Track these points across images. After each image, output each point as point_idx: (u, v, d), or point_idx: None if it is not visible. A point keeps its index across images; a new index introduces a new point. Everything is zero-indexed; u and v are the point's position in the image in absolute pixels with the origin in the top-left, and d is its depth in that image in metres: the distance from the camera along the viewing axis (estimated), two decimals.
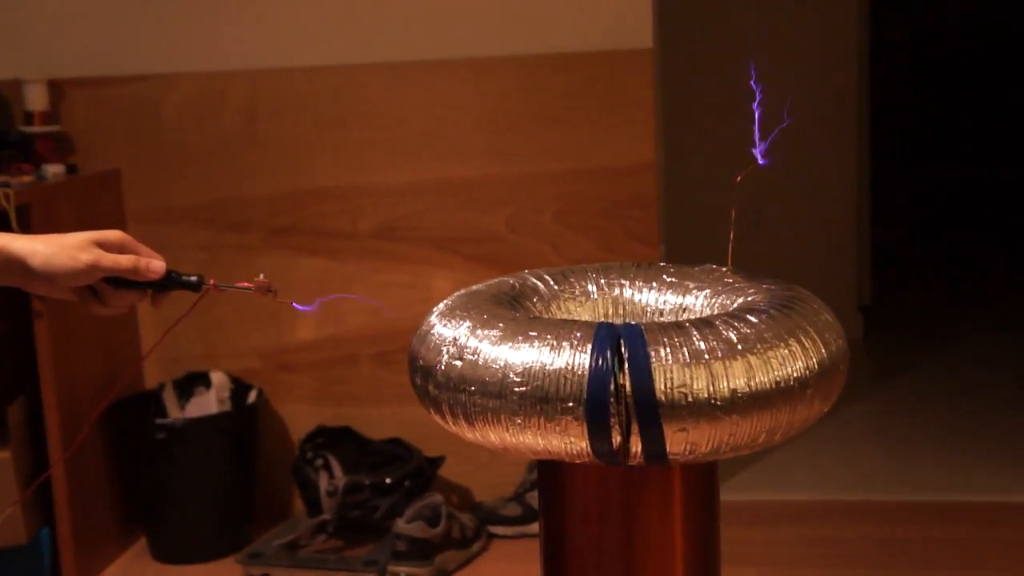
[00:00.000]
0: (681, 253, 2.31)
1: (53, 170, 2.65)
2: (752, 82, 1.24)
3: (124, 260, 1.20)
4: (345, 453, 2.72)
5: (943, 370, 3.87)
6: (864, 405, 3.53)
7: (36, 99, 2.70)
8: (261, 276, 1.25)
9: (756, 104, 1.25)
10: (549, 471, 1.17)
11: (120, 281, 1.21)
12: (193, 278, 1.24)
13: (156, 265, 1.22)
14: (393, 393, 2.81)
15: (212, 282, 1.24)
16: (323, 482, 2.64)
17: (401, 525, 2.51)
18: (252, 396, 2.77)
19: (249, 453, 2.77)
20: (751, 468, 3.01)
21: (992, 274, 5.29)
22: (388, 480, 2.62)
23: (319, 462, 2.68)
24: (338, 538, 2.67)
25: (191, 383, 2.81)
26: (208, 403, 2.75)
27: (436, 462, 2.73)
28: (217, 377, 2.78)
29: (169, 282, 1.23)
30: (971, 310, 4.66)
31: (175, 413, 2.76)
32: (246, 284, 1.24)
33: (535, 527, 2.38)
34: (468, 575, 2.56)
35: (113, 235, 1.21)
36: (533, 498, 2.67)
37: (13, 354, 2.58)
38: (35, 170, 2.64)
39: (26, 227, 2.37)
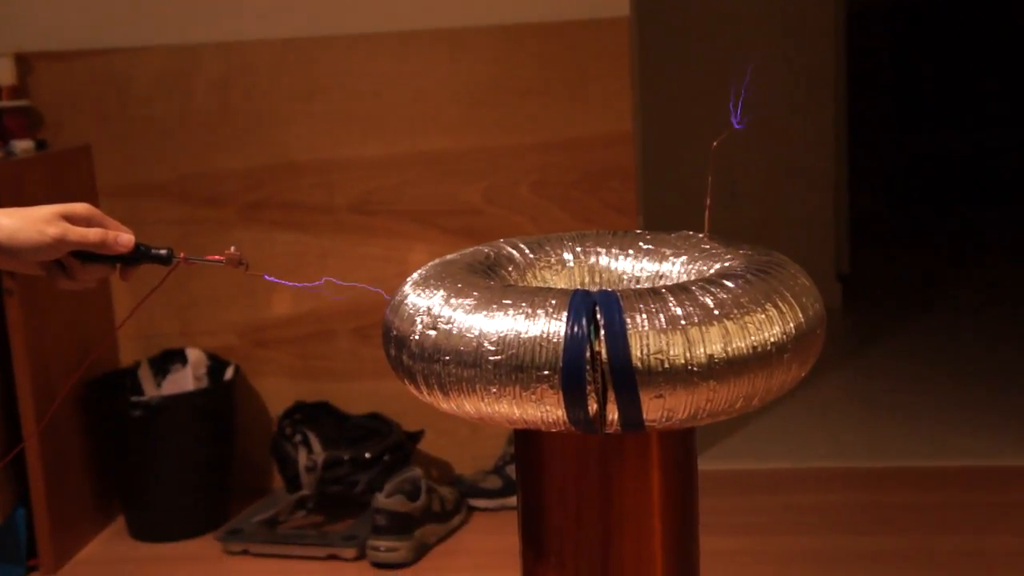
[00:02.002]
0: (660, 224, 2.29)
1: (22, 146, 2.61)
2: (744, 85, 1.23)
3: (92, 234, 1.18)
4: (324, 428, 2.71)
5: (920, 338, 3.88)
6: (842, 373, 3.55)
7: (4, 73, 2.66)
8: (232, 248, 1.24)
9: (744, 87, 1.24)
10: (526, 441, 1.16)
11: (88, 255, 1.19)
12: (163, 251, 1.22)
13: (124, 238, 1.20)
14: (371, 368, 2.79)
15: (182, 255, 1.22)
16: (302, 458, 2.62)
17: (381, 500, 2.50)
18: (229, 372, 2.76)
19: (227, 430, 2.75)
20: (730, 437, 3.01)
21: (969, 243, 5.31)
22: (367, 455, 2.61)
23: (298, 438, 2.67)
24: (318, 514, 2.66)
25: (167, 360, 2.79)
26: (184, 380, 2.73)
27: (415, 436, 2.72)
28: (193, 354, 2.76)
29: (138, 255, 1.21)
30: (948, 279, 4.68)
31: (151, 391, 2.74)
32: (216, 257, 1.23)
33: (516, 499, 2.37)
34: (449, 549, 2.55)
35: (80, 208, 1.19)
36: (513, 470, 2.66)
37: None
38: (3, 145, 2.60)
39: None
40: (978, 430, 3.01)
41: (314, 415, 2.75)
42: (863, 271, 4.62)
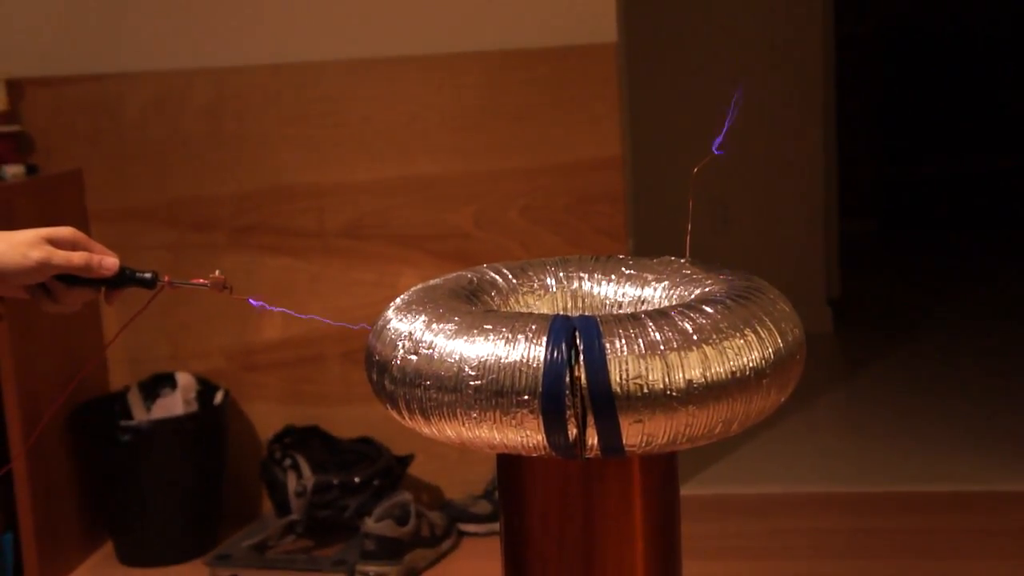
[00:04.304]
0: (650, 248, 2.30)
1: (12, 170, 2.62)
2: (731, 107, 1.23)
3: (76, 257, 1.18)
4: (313, 453, 2.71)
5: (912, 362, 3.89)
6: (833, 397, 3.55)
7: None
8: (217, 272, 1.24)
9: (731, 108, 1.25)
10: (508, 466, 1.16)
11: (72, 279, 1.20)
12: (147, 274, 1.23)
13: (109, 262, 1.20)
14: (361, 392, 2.79)
15: (167, 278, 1.23)
16: (291, 482, 2.62)
17: (370, 524, 2.50)
18: (219, 397, 2.75)
19: (216, 454, 2.74)
20: (719, 462, 3.01)
21: (959, 266, 5.33)
22: (357, 479, 2.61)
23: (287, 462, 2.66)
24: (307, 538, 2.66)
25: (157, 384, 2.79)
26: (174, 404, 2.73)
27: (405, 460, 2.72)
28: (183, 378, 2.76)
29: (123, 279, 1.22)
30: (939, 302, 4.69)
31: (140, 415, 2.73)
32: (201, 280, 1.23)
33: None
34: (438, 574, 2.55)
35: (65, 232, 1.20)
36: None
37: None
38: None
39: None
40: (969, 455, 3.01)
41: (304, 439, 2.75)
42: (853, 295, 4.63)
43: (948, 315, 4.48)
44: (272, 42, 2.74)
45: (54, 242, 1.18)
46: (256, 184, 2.77)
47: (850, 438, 3.32)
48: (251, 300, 1.26)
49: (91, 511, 2.73)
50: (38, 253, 1.16)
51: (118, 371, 2.84)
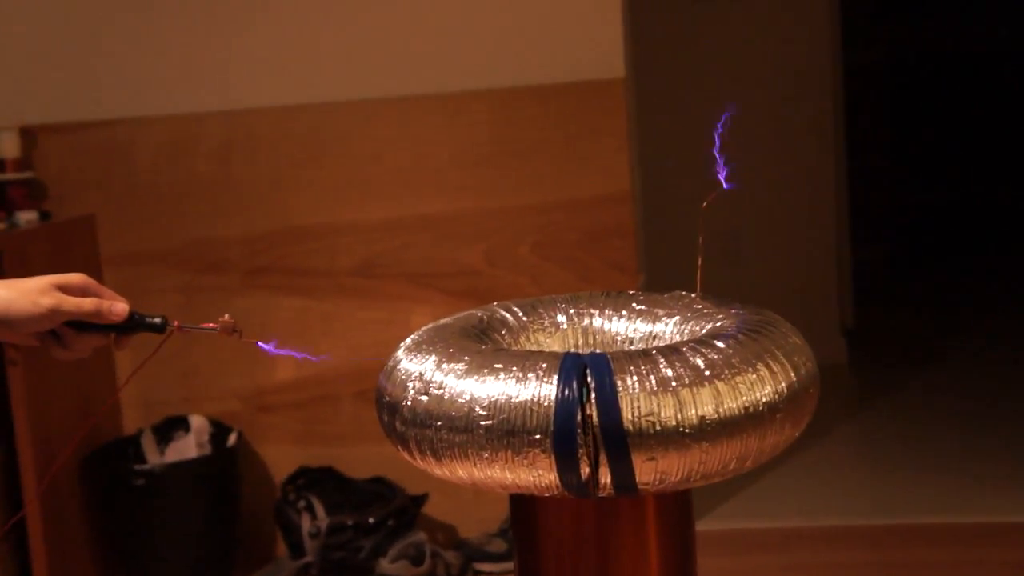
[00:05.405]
0: (662, 281, 2.30)
1: (26, 217, 2.63)
2: (719, 124, 1.24)
3: (86, 303, 1.19)
4: (327, 493, 2.70)
5: (928, 393, 3.86)
6: (848, 429, 3.52)
7: (8, 146, 2.69)
8: (226, 316, 1.24)
9: (718, 131, 1.25)
10: (521, 505, 1.15)
11: (83, 324, 1.20)
12: (157, 319, 1.23)
13: (119, 308, 1.20)
14: (375, 432, 2.75)
15: (176, 323, 1.23)
16: (306, 523, 2.61)
17: (385, 565, 2.48)
18: (232, 439, 2.75)
19: (230, 496, 2.73)
20: (735, 496, 2.99)
21: (975, 296, 5.30)
22: (371, 520, 2.60)
23: (301, 503, 2.65)
24: None
25: (170, 427, 2.79)
26: (187, 447, 2.72)
27: (420, 500, 2.71)
28: (196, 421, 2.76)
29: (132, 324, 1.22)
30: (954, 332, 4.66)
31: (154, 458, 2.73)
32: (211, 325, 1.23)
33: None
34: None
35: (75, 278, 1.20)
36: None
37: None
38: (8, 217, 2.63)
39: None
40: (987, 486, 2.98)
41: (318, 480, 2.74)
42: (868, 326, 4.60)
43: (964, 344, 4.45)
44: (281, 84, 2.76)
45: (64, 289, 1.18)
46: (267, 225, 2.78)
47: (866, 470, 3.29)
48: (261, 344, 1.26)
49: (105, 555, 2.72)
50: (48, 300, 1.16)
51: (131, 415, 2.84)
